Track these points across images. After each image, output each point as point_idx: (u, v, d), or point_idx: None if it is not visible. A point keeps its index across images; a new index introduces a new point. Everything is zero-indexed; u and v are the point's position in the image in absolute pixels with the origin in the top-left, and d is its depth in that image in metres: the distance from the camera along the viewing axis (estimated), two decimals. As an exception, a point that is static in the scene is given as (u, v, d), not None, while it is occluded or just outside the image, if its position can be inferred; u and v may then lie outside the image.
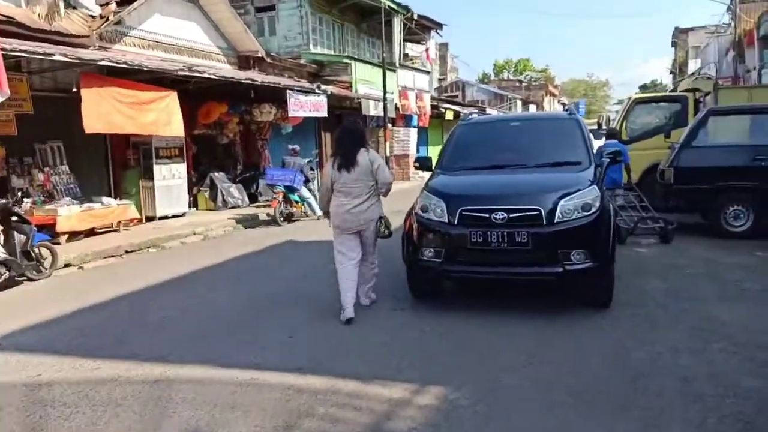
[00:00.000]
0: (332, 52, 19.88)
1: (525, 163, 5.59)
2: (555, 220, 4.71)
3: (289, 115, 13.53)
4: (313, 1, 18.71)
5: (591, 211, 4.78)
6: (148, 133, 10.22)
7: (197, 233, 10.67)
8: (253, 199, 14.70)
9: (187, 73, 10.43)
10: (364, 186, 4.98)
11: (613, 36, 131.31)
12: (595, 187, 4.97)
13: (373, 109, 19.52)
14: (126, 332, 5.01)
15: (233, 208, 13.66)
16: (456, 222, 4.90)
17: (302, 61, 18.13)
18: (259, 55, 15.47)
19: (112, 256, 8.96)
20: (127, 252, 9.20)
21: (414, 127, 22.95)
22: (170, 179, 12.17)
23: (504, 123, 6.68)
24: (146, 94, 9.82)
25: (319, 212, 12.32)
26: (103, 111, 8.88)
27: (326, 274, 6.93)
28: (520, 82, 70.99)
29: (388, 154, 19.39)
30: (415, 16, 22.63)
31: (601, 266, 4.74)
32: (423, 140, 25.97)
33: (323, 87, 14.94)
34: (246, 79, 12.14)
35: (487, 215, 4.79)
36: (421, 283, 5.47)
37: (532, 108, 59.32)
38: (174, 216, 12.26)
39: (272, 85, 12.86)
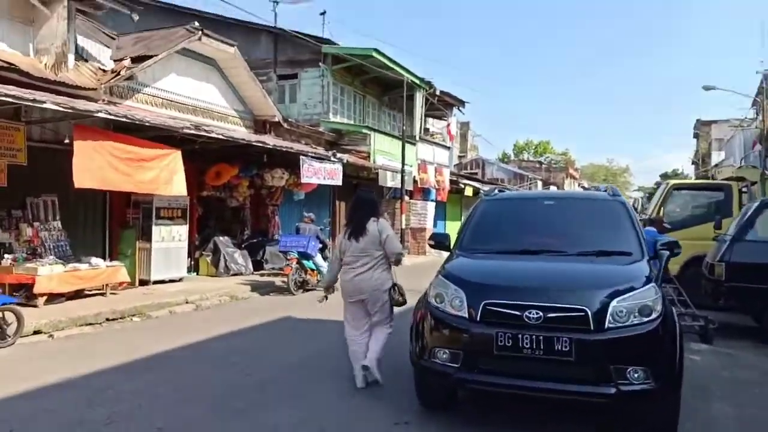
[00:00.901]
0: (352, 122, 19.58)
1: (563, 249, 4.65)
2: (606, 326, 3.73)
3: (302, 180, 12.89)
4: (335, 72, 18.59)
5: (651, 317, 3.79)
6: (146, 191, 9.55)
7: (189, 302, 9.75)
8: (258, 266, 13.85)
9: (192, 132, 9.85)
10: (371, 255, 4.94)
11: (633, 126, 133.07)
12: (654, 285, 4.01)
13: (390, 180, 18.94)
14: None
15: (236, 274, 12.79)
16: (478, 318, 3.94)
17: (321, 129, 17.78)
18: (276, 119, 15.08)
19: (90, 324, 8.04)
20: (107, 320, 8.28)
21: (432, 200, 22.28)
22: (170, 241, 11.40)
23: (536, 201, 5.72)
24: (147, 151, 9.21)
25: (328, 284, 11.46)
26: (96, 165, 8.24)
27: (323, 362, 5.92)
28: (540, 163, 71.23)
29: (404, 227, 18.60)
30: (438, 92, 22.49)
31: (665, 388, 3.70)
32: (441, 215, 25.25)
33: (339, 155, 14.38)
34: (257, 141, 11.59)
35: (518, 312, 3.83)
36: (431, 391, 4.43)
37: (553, 189, 59.02)
38: (171, 281, 11.41)
39: (285, 149, 12.30)
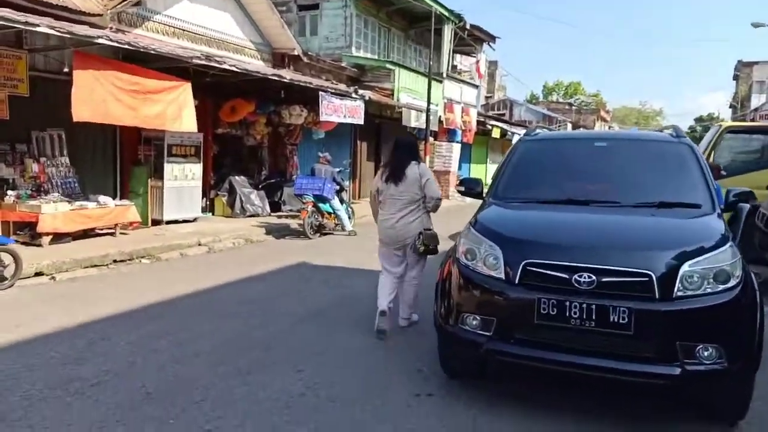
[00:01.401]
0: (375, 57, 18.53)
1: (618, 200, 3.94)
2: (674, 294, 3.08)
3: (321, 119, 12.16)
4: (359, 2, 17.41)
5: (729, 284, 3.13)
6: (152, 126, 8.96)
7: (202, 244, 9.33)
8: (275, 207, 13.38)
9: (203, 63, 9.11)
10: (409, 200, 4.81)
11: (668, 65, 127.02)
12: (732, 246, 3.32)
13: (414, 120, 18.05)
14: (38, 394, 3.60)
15: (252, 216, 12.34)
16: (517, 281, 3.32)
17: (343, 64, 16.82)
18: (296, 53, 14.20)
19: (96, 265, 7.66)
20: (115, 261, 7.90)
21: (458, 142, 21.37)
22: (183, 180, 10.90)
23: (585, 142, 4.87)
24: (154, 82, 8.55)
25: (350, 227, 10.97)
26: (98, 97, 7.63)
27: (338, 315, 5.42)
28: (570, 105, 68.81)
29: (427, 170, 17.83)
30: (468, 26, 21.11)
31: (740, 370, 3.08)
32: (466, 157, 24.36)
33: (361, 92, 13.53)
34: (273, 75, 10.80)
35: (566, 275, 3.19)
36: (458, 361, 3.86)
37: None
38: (185, 221, 10.99)
39: (303, 84, 11.51)
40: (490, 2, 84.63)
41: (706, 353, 3.04)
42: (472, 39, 22.62)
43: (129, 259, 8.07)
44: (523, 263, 3.31)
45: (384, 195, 4.90)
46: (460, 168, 22.22)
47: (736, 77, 61.28)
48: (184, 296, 6.15)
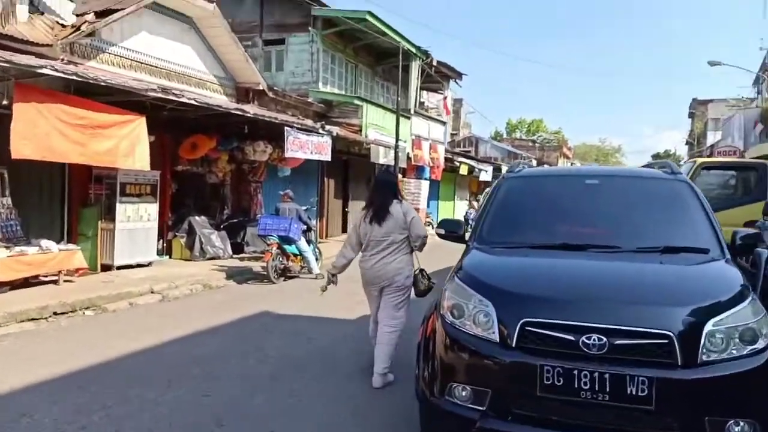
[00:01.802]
0: (343, 93, 18.26)
1: (618, 244, 3.52)
2: (698, 359, 2.63)
3: (286, 155, 11.66)
4: (326, 37, 17.20)
5: (758, 345, 2.71)
6: (101, 164, 8.30)
7: (155, 291, 8.59)
8: (238, 249, 12.69)
9: (159, 96, 8.56)
10: (392, 240, 4.64)
11: (626, 106, 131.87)
12: (755, 299, 2.91)
13: (382, 157, 17.72)
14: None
15: (213, 258, 11.63)
16: (514, 343, 2.83)
17: (309, 99, 16.46)
18: (260, 87, 13.76)
19: (33, 319, 6.87)
20: (55, 314, 7.12)
21: (426, 179, 21.13)
22: (137, 221, 10.18)
23: (575, 179, 4.46)
24: (104, 116, 7.93)
25: (318, 269, 10.36)
26: (41, 132, 6.98)
27: (301, 379, 4.79)
28: (533, 142, 70.25)
29: (396, 207, 17.42)
30: (435, 63, 21.15)
31: (780, 450, 2.62)
32: (434, 194, 24.13)
33: (328, 127, 13.12)
34: (236, 109, 10.29)
35: (573, 337, 2.72)
36: (445, 439, 3.32)
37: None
38: (138, 265, 10.22)
39: (267, 119, 11.02)
40: (453, 39, 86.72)
41: (737, 429, 2.57)
42: (438, 75, 22.67)
43: (71, 311, 7.30)
44: (520, 322, 2.83)
45: (369, 237, 4.70)
46: (428, 205, 21.93)
47: (691, 115, 63.62)
48: (127, 356, 5.44)
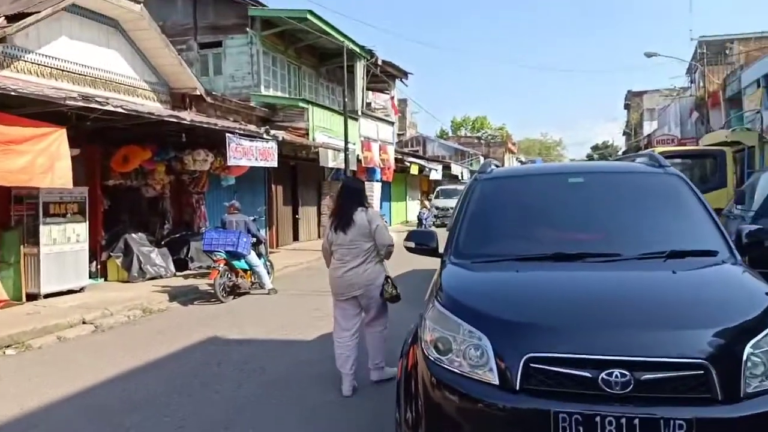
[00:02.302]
0: (287, 96, 17.51)
1: (618, 251, 3.05)
2: (741, 392, 2.18)
3: (229, 163, 10.89)
4: (265, 38, 16.41)
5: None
6: (15, 183, 7.37)
7: (87, 321, 7.70)
8: (182, 266, 11.81)
9: (79, 104, 7.67)
10: (360, 248, 4.57)
11: (565, 100, 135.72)
12: (788, 309, 2.49)
13: (332, 161, 17.11)
14: None
15: (153, 278, 10.73)
16: (518, 385, 2.31)
17: (252, 104, 15.66)
18: (197, 92, 12.90)
19: (-61, 365, 5.93)
20: (-33, 356, 6.19)
21: (377, 181, 20.63)
22: (64, 243, 9.20)
23: (556, 179, 3.97)
24: (17, 130, 7.00)
25: (270, 285, 9.67)
26: (-63, 150, 6.02)
27: (262, 419, 4.13)
28: (479, 139, 71.06)
29: (348, 212, 16.81)
30: (380, 62, 20.66)
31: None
32: (386, 196, 23.68)
33: (273, 132, 12.40)
34: (170, 117, 9.46)
35: (590, 374, 2.23)
36: None
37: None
38: (69, 291, 9.25)
39: (206, 126, 10.22)
40: (391, 36, 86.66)
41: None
42: (384, 75, 22.21)
43: (-13, 352, 6.37)
44: (524, 358, 2.31)
45: (334, 245, 4.65)
46: (381, 207, 21.44)
47: (627, 106, 65.85)
48: (50, 405, 4.64)
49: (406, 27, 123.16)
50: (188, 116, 9.95)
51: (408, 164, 25.47)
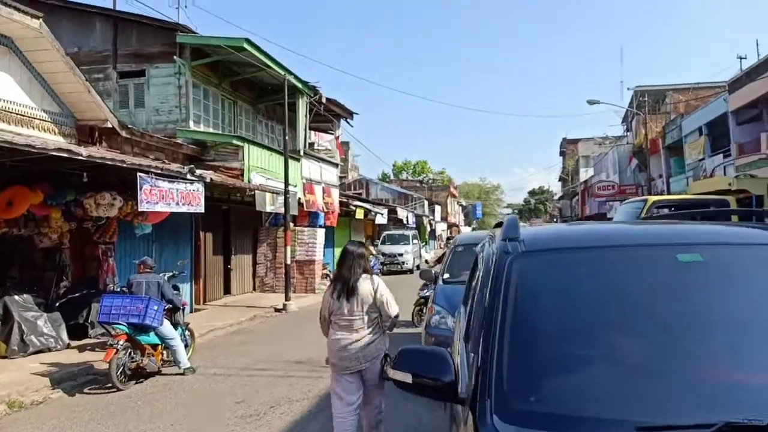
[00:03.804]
0: (220, 132, 15.72)
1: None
2: None
3: (140, 208, 8.96)
4: (196, 69, 14.69)
5: None
6: None
7: None
8: (81, 332, 9.66)
9: None
10: (362, 318, 4.32)
11: (503, 147, 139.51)
12: None
13: (270, 204, 15.34)
14: None
15: (39, 352, 8.55)
16: None
17: (178, 140, 13.78)
18: (109, 125, 10.97)
19: None
20: None
21: (321, 226, 18.93)
22: None
23: (654, 254, 2.23)
24: None
25: (187, 363, 7.70)
26: None
27: None
28: (421, 182, 70.92)
29: (288, 261, 15.02)
30: (324, 100, 19.29)
31: None
32: (329, 242, 21.92)
33: (200, 172, 10.58)
34: (58, 150, 7.48)
35: None
36: None
37: (438, 209, 58.11)
38: None
39: (109, 163, 8.31)
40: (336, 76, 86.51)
41: None
42: (329, 113, 20.83)
43: None
44: None
45: (335, 314, 4.39)
46: (324, 254, 19.68)
47: (562, 153, 67.65)
48: None
49: (347, 66, 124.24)
50: (87, 151, 8.02)
51: (353, 208, 23.96)
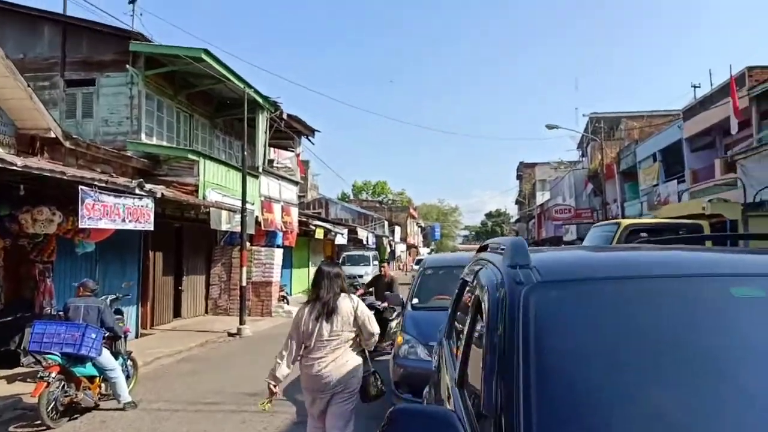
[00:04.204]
0: (173, 146, 14.99)
1: None
2: None
3: (81, 224, 8.22)
4: (149, 79, 14.00)
5: None
6: None
7: None
8: (13, 360, 8.77)
9: None
10: (340, 338, 4.19)
11: (461, 169, 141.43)
12: None
13: (225, 223, 14.63)
14: None
15: (-40, 384, 7.63)
16: None
17: (128, 153, 13.00)
18: (52, 135, 10.19)
19: None
20: None
21: (279, 246, 18.26)
22: None
23: (701, 287, 1.80)
24: None
25: (128, 396, 6.94)
26: None
27: None
28: (380, 203, 70.81)
29: (244, 283, 14.31)
30: (285, 116, 18.76)
31: None
32: (287, 262, 21.24)
33: (150, 186, 9.88)
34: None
35: None
36: None
37: (398, 230, 57.93)
38: None
39: (47, 174, 7.58)
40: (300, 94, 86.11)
41: None
42: (290, 130, 20.30)
43: None
44: None
45: (314, 337, 4.16)
46: (282, 275, 18.99)
47: (519, 177, 68.80)
48: None
49: (307, 80, 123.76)
50: (23, 161, 7.29)
51: (313, 227, 23.36)
